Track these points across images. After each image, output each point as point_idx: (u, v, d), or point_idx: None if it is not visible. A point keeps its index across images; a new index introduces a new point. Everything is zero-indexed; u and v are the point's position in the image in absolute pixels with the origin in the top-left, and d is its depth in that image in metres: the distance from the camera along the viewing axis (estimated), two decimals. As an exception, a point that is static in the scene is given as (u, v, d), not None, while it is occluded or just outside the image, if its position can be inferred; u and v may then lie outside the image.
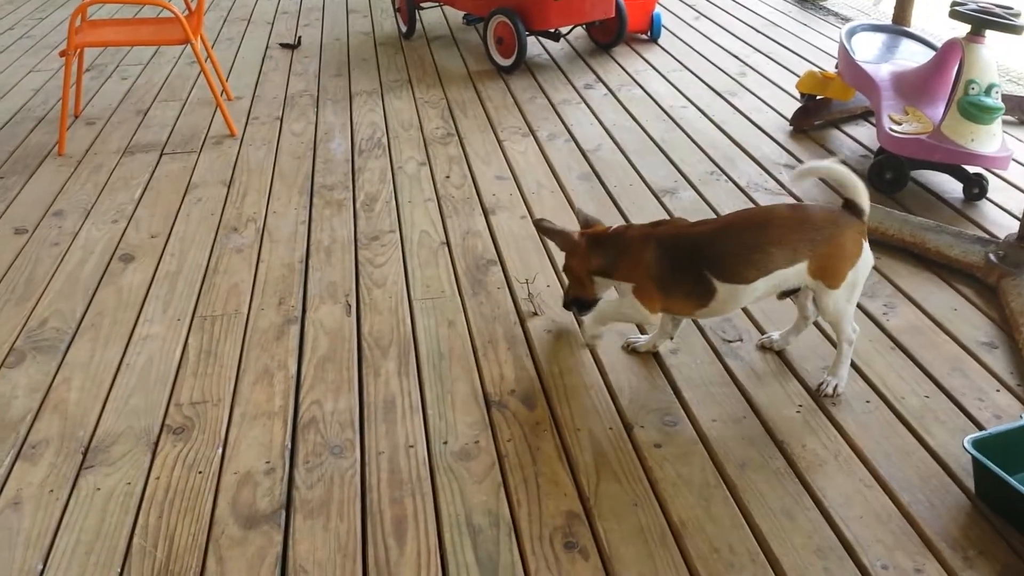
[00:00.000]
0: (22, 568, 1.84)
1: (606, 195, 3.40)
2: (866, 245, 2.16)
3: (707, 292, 2.17)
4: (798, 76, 4.33)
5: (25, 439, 2.20)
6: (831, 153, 3.72)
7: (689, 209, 3.26)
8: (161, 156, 3.84)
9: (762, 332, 2.53)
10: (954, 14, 3.25)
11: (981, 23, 3.17)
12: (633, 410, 2.24)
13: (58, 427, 2.23)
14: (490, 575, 1.79)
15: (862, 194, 2.13)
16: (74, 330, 2.62)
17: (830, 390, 2.26)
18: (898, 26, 4.18)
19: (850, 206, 2.15)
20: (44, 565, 1.84)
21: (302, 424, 2.22)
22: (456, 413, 2.25)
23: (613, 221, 3.17)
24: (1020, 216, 2.84)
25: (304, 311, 2.69)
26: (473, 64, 4.98)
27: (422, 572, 1.80)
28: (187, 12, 4.13)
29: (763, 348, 2.45)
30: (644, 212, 3.24)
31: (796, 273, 2.14)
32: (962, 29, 3.28)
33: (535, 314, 2.64)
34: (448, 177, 3.58)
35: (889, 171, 3.34)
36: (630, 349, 2.45)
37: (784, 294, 2.27)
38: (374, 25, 5.82)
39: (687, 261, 2.18)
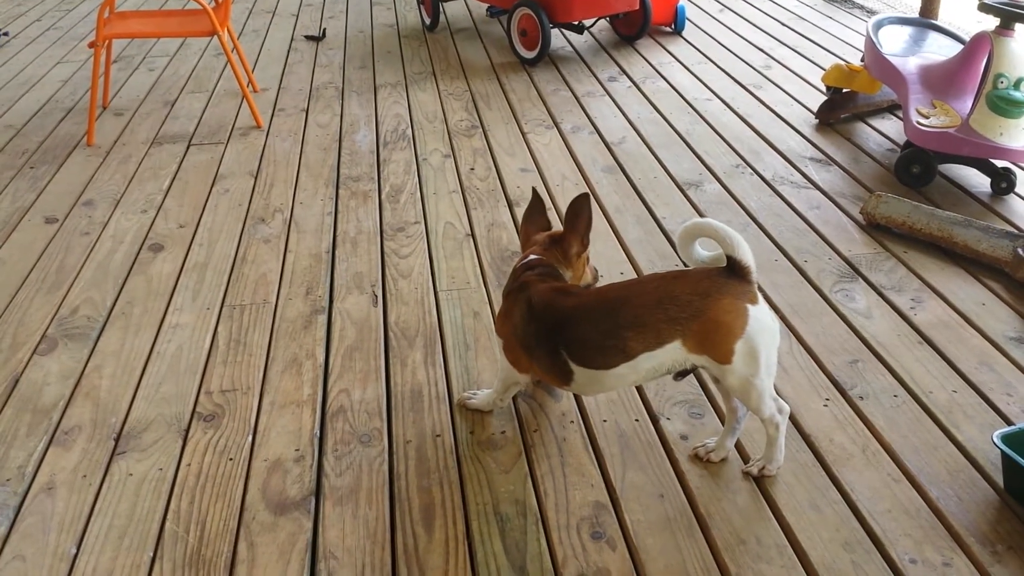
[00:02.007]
0: (56, 551, 1.87)
1: (631, 188, 3.40)
2: (755, 311, 1.83)
3: (566, 372, 1.95)
4: (824, 69, 4.33)
5: (58, 425, 2.23)
6: (857, 147, 3.71)
7: (715, 202, 3.26)
8: (189, 147, 3.88)
9: (788, 325, 2.53)
10: (983, 7, 3.22)
11: (1010, 16, 3.14)
12: (659, 402, 2.25)
13: (90, 413, 2.26)
14: (518, 564, 1.81)
15: (742, 250, 1.82)
16: (105, 318, 2.66)
17: (755, 470, 2.00)
18: (925, 19, 4.15)
19: (732, 266, 1.84)
20: (78, 549, 1.87)
21: (330, 412, 2.24)
22: (482, 403, 2.26)
23: (637, 214, 3.19)
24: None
25: (331, 301, 2.71)
26: (497, 56, 4.99)
27: (450, 560, 1.82)
28: (214, 4, 4.16)
29: (697, 458, 2.07)
30: (669, 205, 3.24)
31: (671, 354, 1.86)
32: (991, 22, 3.26)
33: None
34: (472, 169, 3.59)
35: (916, 165, 3.32)
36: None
37: (679, 374, 1.98)
38: (398, 18, 5.84)
39: (548, 336, 1.96)
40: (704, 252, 1.94)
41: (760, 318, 1.84)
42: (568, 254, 2.11)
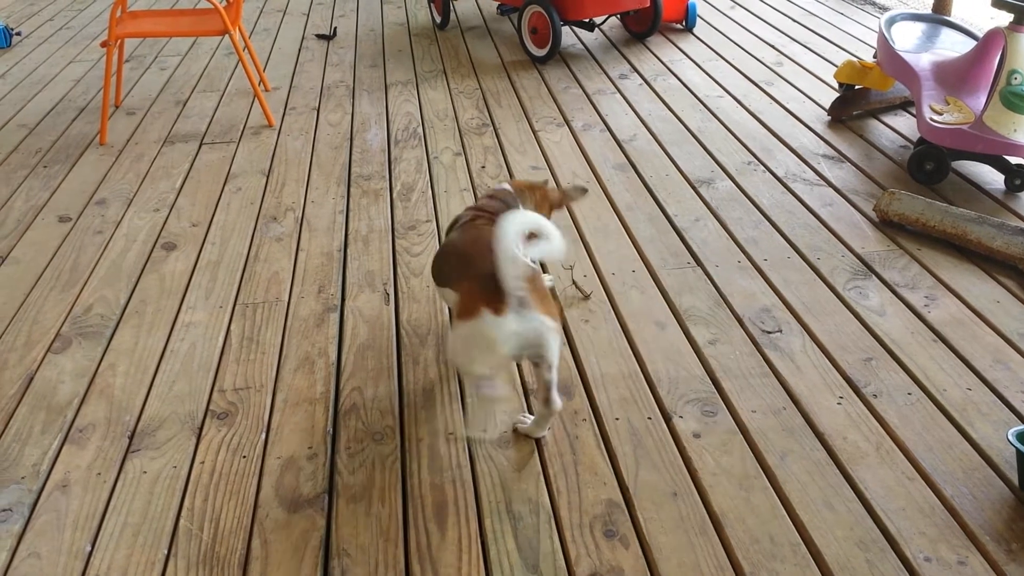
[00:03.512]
0: (71, 549, 1.88)
1: (642, 185, 3.39)
2: (487, 316, 1.85)
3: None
4: (836, 66, 4.31)
5: (72, 423, 2.24)
6: (870, 144, 3.69)
7: (727, 200, 3.25)
8: (201, 146, 3.89)
9: (801, 323, 2.52)
10: (997, 3, 3.20)
11: (1025, 12, 3.13)
12: (672, 400, 2.24)
13: (104, 411, 2.27)
14: (531, 562, 1.81)
15: (503, 273, 1.82)
16: (118, 317, 2.67)
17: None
18: (938, 15, 4.13)
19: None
20: (93, 546, 1.88)
21: (343, 410, 2.24)
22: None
23: (648, 212, 3.18)
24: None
25: (343, 299, 2.71)
26: (507, 54, 4.98)
27: (463, 557, 1.82)
28: (226, 3, 4.17)
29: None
30: (681, 203, 3.24)
31: (453, 299, 2.08)
32: (1004, 18, 3.24)
33: (586, 297, 2.65)
34: (483, 167, 3.59)
35: (929, 162, 3.30)
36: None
37: None
38: (408, 16, 5.84)
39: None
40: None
41: (482, 326, 1.87)
42: (548, 201, 2.40)
